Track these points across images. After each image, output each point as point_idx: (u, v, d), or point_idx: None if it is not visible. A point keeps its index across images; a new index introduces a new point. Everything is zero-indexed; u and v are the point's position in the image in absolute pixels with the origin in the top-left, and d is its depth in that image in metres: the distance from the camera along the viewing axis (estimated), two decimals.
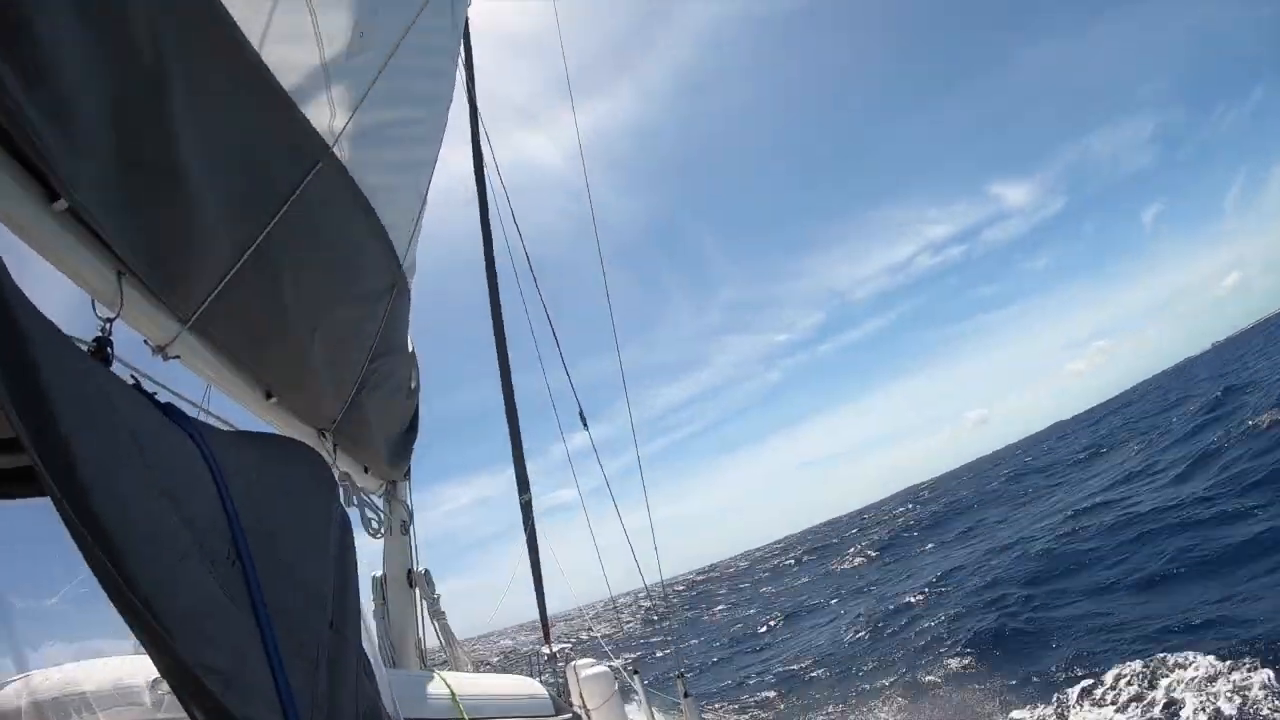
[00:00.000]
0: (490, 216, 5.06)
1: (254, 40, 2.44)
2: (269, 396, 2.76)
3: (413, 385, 4.09)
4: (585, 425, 5.43)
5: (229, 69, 2.31)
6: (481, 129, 5.08)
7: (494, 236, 5.06)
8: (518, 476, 4.82)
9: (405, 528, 4.35)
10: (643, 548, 5.48)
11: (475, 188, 5.08)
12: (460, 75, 4.61)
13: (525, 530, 4.86)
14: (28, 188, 1.55)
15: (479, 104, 5.12)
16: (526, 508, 4.82)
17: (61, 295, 1.77)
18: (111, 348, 1.68)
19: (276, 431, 2.89)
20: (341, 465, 3.49)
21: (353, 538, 2.15)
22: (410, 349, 4.01)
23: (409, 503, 4.44)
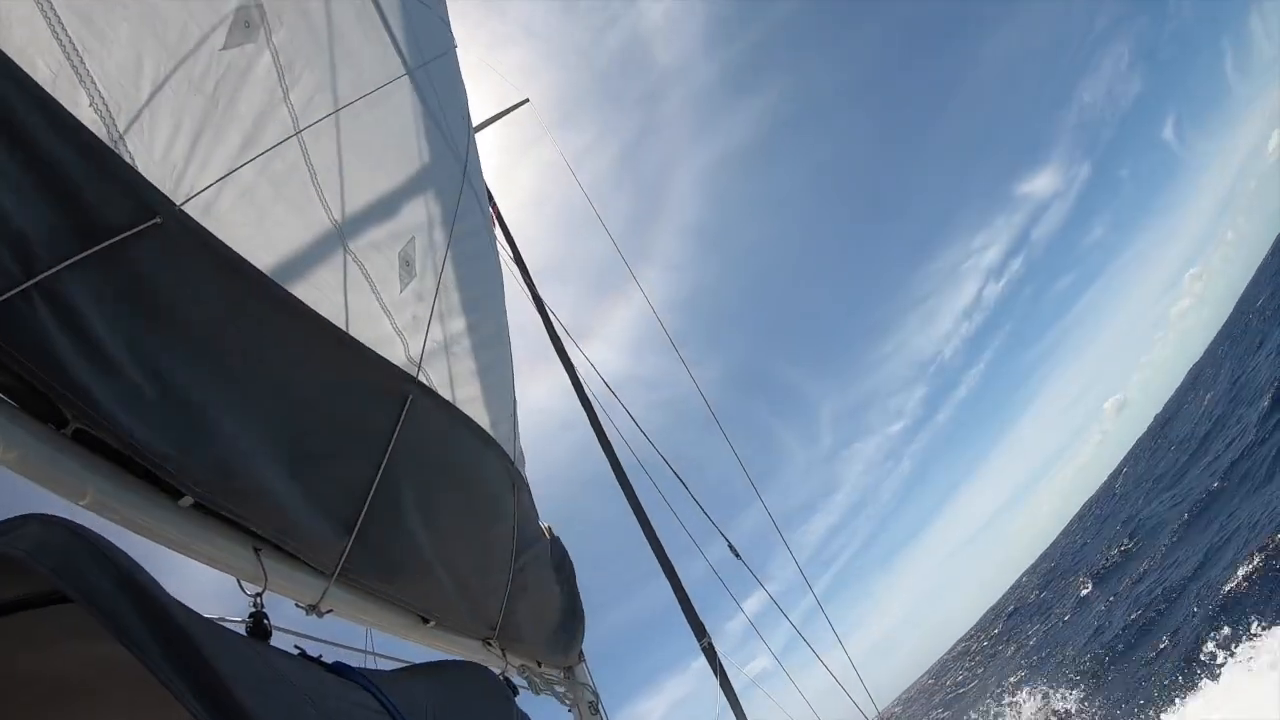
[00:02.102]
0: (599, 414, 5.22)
1: (312, 302, 2.67)
2: (426, 622, 2.82)
3: (562, 570, 4.10)
4: (736, 554, 5.28)
5: (305, 340, 2.52)
6: (565, 337, 5.28)
7: (611, 436, 5.18)
8: (691, 625, 4.65)
9: (595, 708, 4.25)
10: (848, 686, 5.21)
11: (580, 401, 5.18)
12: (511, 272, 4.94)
13: (716, 676, 4.62)
14: (150, 495, 1.70)
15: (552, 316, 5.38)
16: (709, 652, 4.62)
17: (210, 575, 1.88)
18: (267, 619, 1.76)
19: (443, 656, 2.92)
20: (513, 669, 3.49)
21: None
22: (548, 536, 4.05)
23: (591, 682, 4.36)
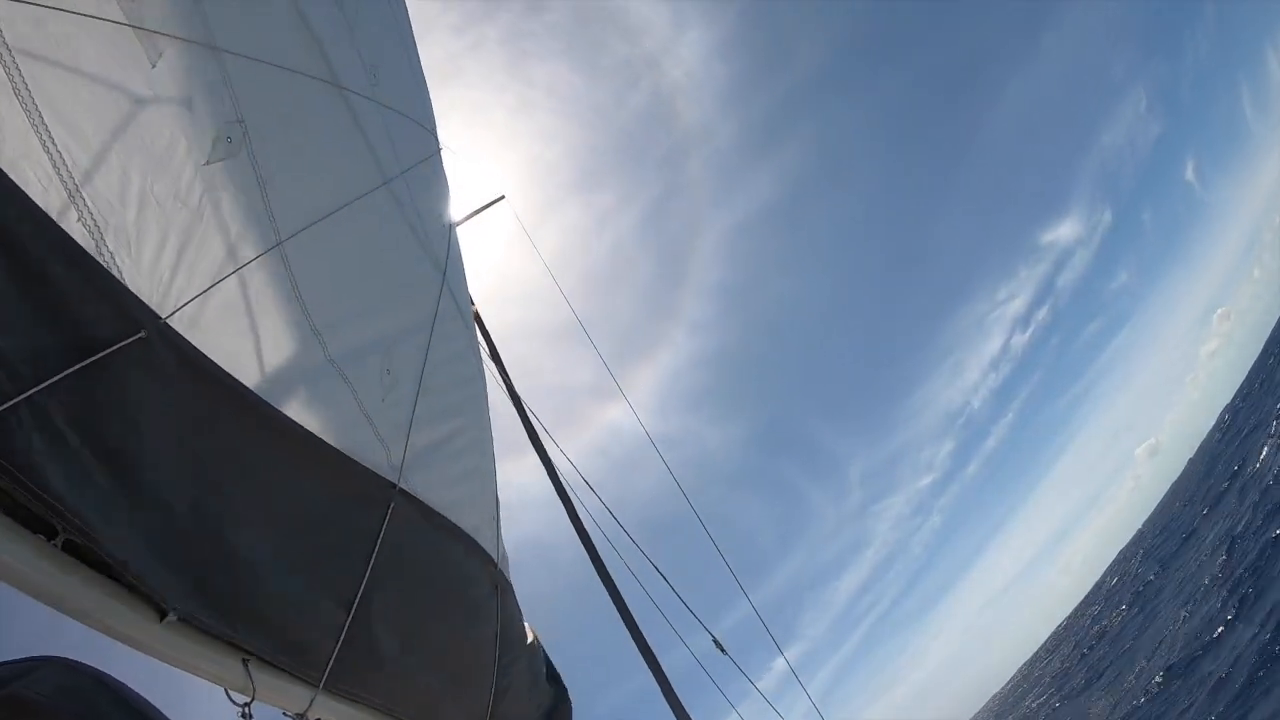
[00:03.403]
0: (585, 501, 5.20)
1: (294, 415, 2.67)
2: None
3: (546, 672, 4.01)
4: (721, 649, 5.16)
5: (287, 452, 2.51)
6: (534, 420, 5.31)
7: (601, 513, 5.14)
8: (676, 715, 4.50)
9: None
10: None
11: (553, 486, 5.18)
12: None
13: None
14: (138, 607, 1.69)
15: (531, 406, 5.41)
16: None
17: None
18: None
19: None
20: None
21: None
22: (531, 638, 3.97)
23: None
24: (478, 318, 5.17)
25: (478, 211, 6.41)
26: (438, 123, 5.59)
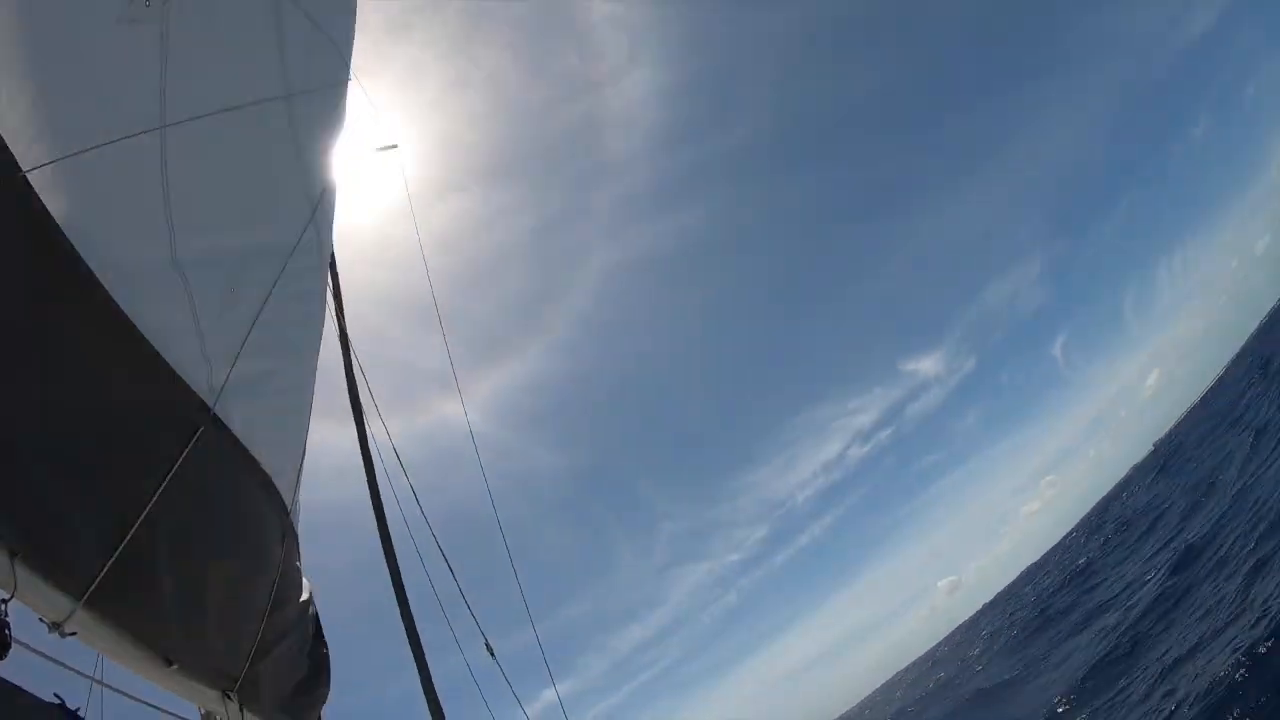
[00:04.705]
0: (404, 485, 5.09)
1: (125, 306, 2.51)
2: (169, 664, 2.63)
3: (314, 634, 3.90)
4: (492, 654, 5.19)
5: (101, 339, 2.36)
6: (359, 372, 5.16)
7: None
8: (431, 707, 4.48)
9: None
10: None
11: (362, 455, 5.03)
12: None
13: None
14: None
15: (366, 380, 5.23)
16: None
17: None
18: (8, 629, 1.68)
19: (174, 699, 2.78)
20: None
21: None
22: (307, 595, 3.86)
23: None
24: (333, 264, 4.99)
25: (369, 154, 6.19)
26: (368, 63, 5.40)
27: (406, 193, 7.16)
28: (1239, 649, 12.26)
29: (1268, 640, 11.59)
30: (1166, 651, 15.65)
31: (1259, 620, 12.54)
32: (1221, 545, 18.41)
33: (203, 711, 3.04)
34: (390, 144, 6.53)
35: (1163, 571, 21.35)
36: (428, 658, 4.43)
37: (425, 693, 4.36)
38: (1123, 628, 20.23)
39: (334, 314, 5.11)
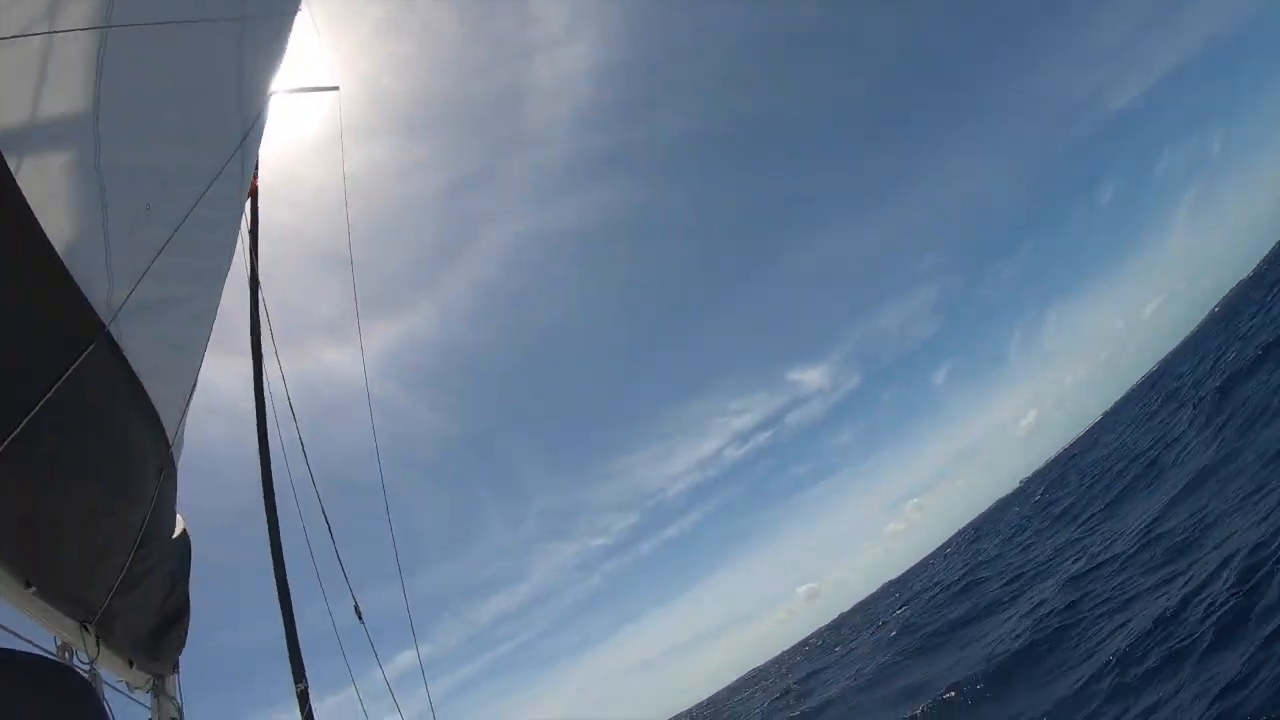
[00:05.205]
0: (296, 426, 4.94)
1: (33, 202, 2.39)
2: (28, 585, 2.52)
3: (181, 573, 3.77)
4: (360, 616, 5.10)
5: (15, 237, 2.25)
6: (263, 313, 4.97)
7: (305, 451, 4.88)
8: (293, 664, 4.38)
9: None
10: None
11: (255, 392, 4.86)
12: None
13: None
14: None
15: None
16: (303, 698, 4.37)
17: None
18: None
19: (29, 623, 2.67)
20: (103, 661, 3.16)
21: None
22: (180, 533, 3.72)
23: (179, 699, 3.96)
24: (255, 195, 4.82)
25: (306, 91, 5.97)
26: None
27: (340, 135, 6.95)
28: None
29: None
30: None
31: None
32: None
33: (59, 643, 2.92)
34: (332, 85, 6.33)
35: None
36: (295, 611, 4.33)
37: (289, 644, 4.27)
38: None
39: (247, 250, 4.93)
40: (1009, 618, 18.94)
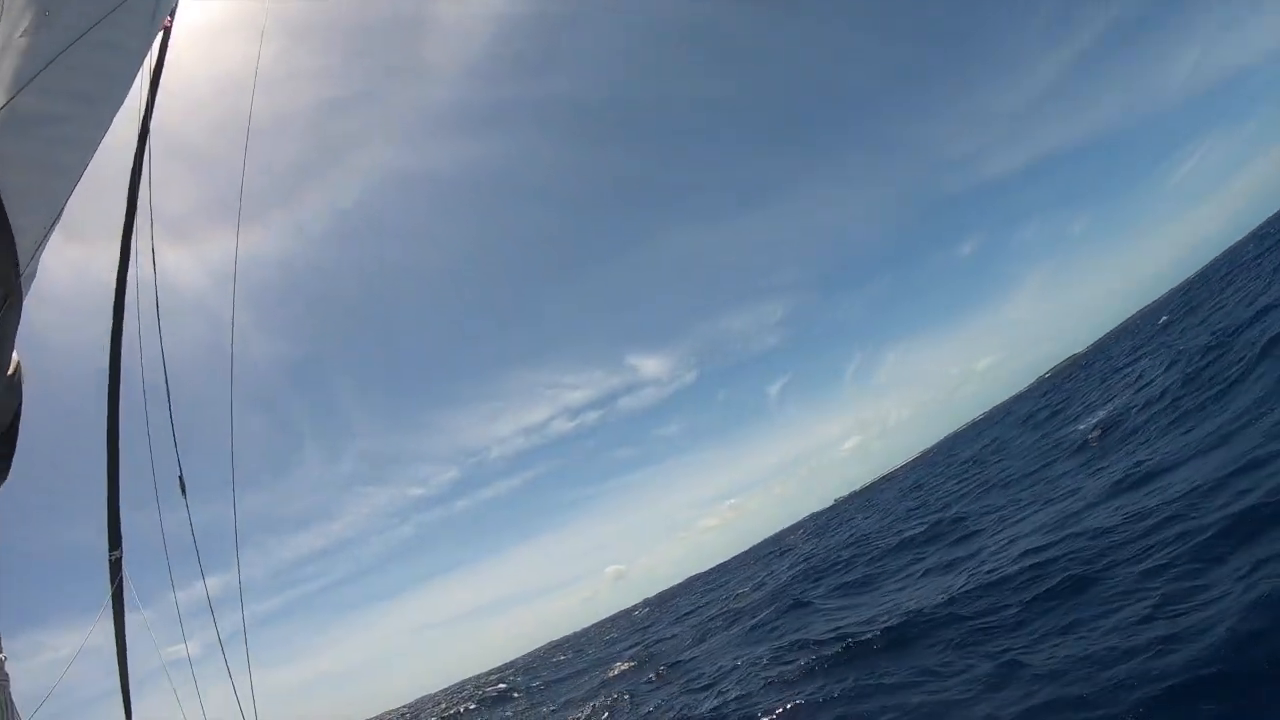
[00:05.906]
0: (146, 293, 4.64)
1: None
2: None
3: (13, 409, 3.51)
4: (184, 491, 4.90)
5: None
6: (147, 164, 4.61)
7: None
8: (110, 529, 4.19)
9: None
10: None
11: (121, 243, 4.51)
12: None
13: (112, 593, 4.18)
14: None
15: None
16: (115, 566, 4.19)
17: None
18: None
19: None
20: None
21: None
22: (14, 370, 3.46)
23: None
24: (167, 33, 4.45)
25: None
26: None
27: (264, 19, 6.43)
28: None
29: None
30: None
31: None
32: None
33: None
34: None
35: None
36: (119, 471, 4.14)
37: (109, 506, 4.09)
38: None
39: (143, 104, 4.55)
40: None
